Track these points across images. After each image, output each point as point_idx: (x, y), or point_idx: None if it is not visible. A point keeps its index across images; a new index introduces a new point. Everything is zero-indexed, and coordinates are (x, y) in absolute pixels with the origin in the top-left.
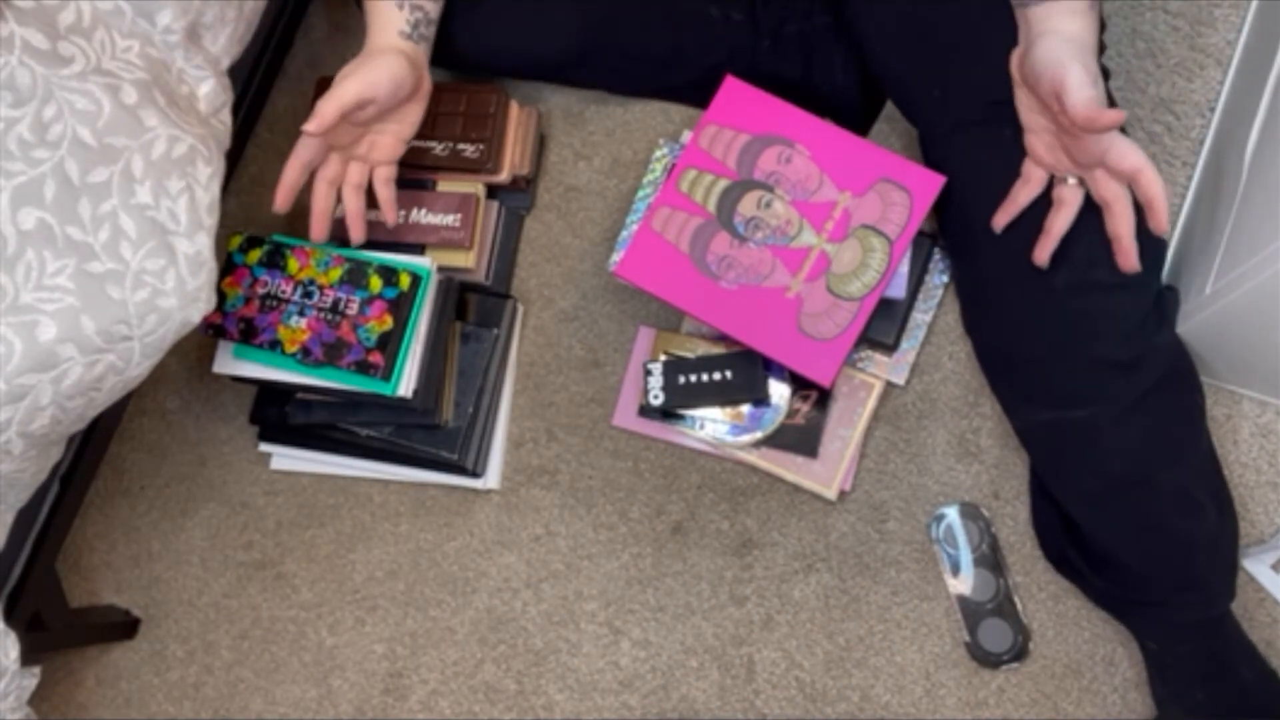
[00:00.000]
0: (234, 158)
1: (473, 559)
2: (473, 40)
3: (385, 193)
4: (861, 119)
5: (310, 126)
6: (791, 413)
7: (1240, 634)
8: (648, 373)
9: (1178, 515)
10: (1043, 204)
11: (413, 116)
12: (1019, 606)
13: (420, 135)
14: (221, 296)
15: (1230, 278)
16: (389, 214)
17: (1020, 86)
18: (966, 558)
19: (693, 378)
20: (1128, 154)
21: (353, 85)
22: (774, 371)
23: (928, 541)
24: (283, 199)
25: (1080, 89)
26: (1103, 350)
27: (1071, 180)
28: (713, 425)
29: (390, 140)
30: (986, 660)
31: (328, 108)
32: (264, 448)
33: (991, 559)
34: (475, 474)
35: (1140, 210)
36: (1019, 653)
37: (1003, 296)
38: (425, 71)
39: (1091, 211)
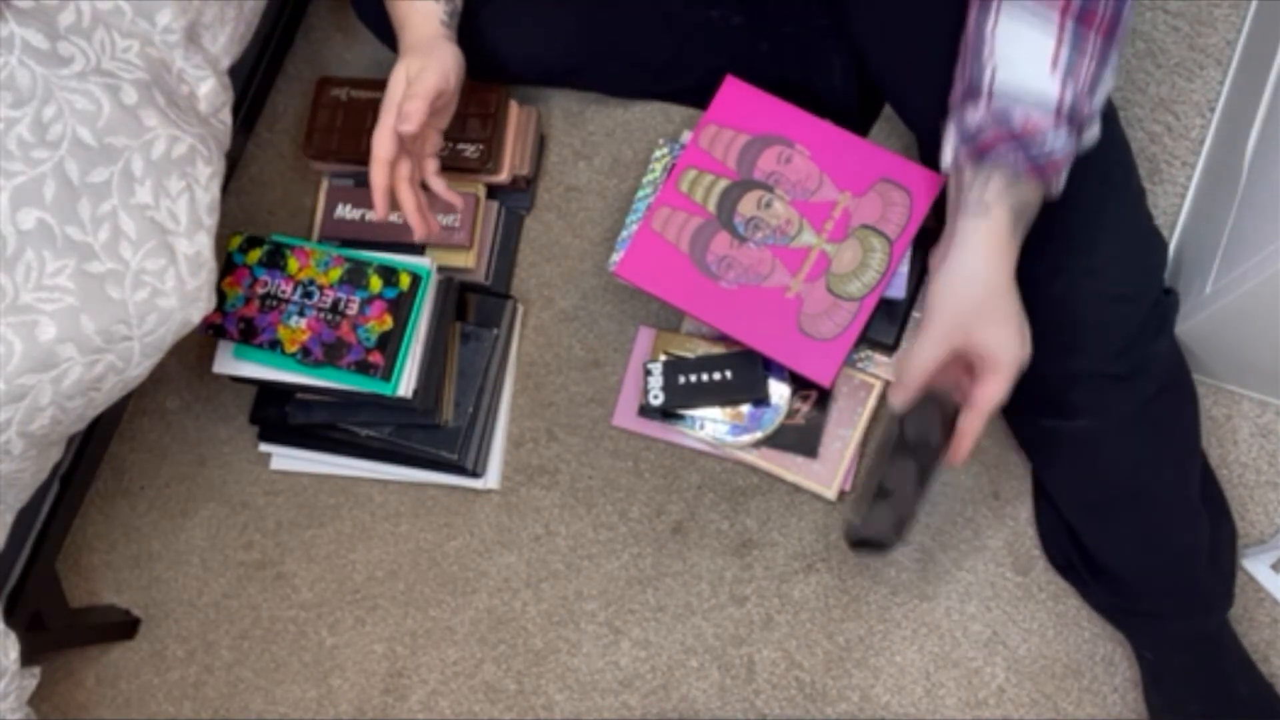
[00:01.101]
0: (234, 158)
1: (473, 559)
2: (471, 47)
3: (440, 183)
4: (861, 120)
5: (407, 127)
6: (791, 413)
7: (1237, 646)
8: (648, 373)
9: (1176, 527)
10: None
11: (452, 108)
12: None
13: None
14: (221, 296)
15: (1230, 278)
16: (456, 200)
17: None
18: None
19: (693, 378)
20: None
21: (431, 77)
22: (774, 371)
23: (927, 541)
24: (383, 205)
25: (1002, 386)
26: (1100, 362)
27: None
28: (713, 425)
29: (434, 134)
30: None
31: (416, 105)
32: (264, 448)
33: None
34: (475, 474)
35: None
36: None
37: None
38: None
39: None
